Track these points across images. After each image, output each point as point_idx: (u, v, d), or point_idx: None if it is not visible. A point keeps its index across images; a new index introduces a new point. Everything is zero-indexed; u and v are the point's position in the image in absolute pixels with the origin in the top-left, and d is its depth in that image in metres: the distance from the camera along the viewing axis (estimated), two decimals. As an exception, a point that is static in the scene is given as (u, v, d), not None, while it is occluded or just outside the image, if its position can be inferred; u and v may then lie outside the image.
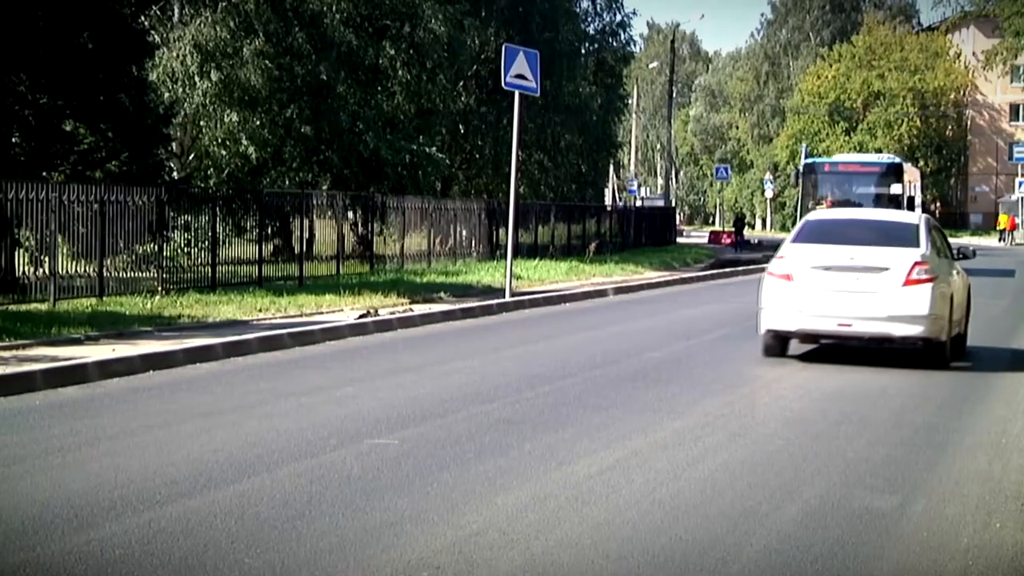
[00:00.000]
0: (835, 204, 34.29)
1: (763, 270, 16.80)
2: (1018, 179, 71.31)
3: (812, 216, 18.24)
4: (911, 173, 39.35)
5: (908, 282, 15.44)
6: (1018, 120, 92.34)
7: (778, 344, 16.33)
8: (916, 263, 15.49)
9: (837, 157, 53.84)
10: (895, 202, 34.94)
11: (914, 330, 15.40)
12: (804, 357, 16.71)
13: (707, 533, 7.50)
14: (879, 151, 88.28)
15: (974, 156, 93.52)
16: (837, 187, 36.47)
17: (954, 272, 16.92)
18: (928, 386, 14.14)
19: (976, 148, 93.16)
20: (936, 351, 15.65)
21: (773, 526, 7.72)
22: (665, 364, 15.71)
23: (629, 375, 14.49)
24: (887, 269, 15.50)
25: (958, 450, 10.40)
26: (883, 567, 7.03)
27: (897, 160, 37.74)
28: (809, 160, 40.11)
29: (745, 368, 15.43)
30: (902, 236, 16.24)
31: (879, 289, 15.44)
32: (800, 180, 37.74)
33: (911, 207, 34.07)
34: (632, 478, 9.03)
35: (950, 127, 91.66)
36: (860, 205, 34.03)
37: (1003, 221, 74.35)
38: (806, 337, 16.44)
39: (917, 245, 15.89)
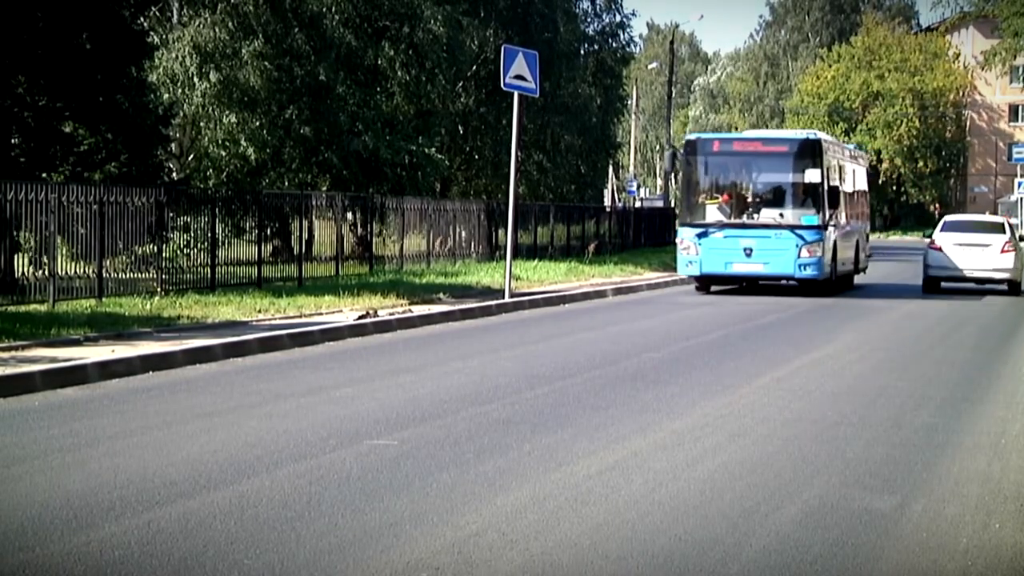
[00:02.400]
0: (733, 199, 28.53)
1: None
2: (1017, 179, 71.26)
3: (948, 217, 33.60)
4: (837, 152, 30.53)
5: (1002, 251, 30.06)
6: (1017, 120, 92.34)
7: (935, 283, 30.78)
8: (1006, 242, 30.24)
9: (732, 133, 45.86)
10: (812, 195, 27.77)
11: (1003, 275, 30.18)
12: (804, 358, 16.72)
13: (707, 534, 7.50)
14: (878, 152, 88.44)
15: (973, 156, 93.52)
16: (731, 173, 29.01)
17: (1022, 246, 31.08)
18: (928, 386, 14.14)
19: (975, 149, 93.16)
20: (1014, 287, 30.33)
21: (772, 527, 7.72)
22: (664, 365, 15.70)
23: (629, 375, 14.48)
24: (990, 245, 30.15)
25: (958, 450, 10.40)
26: (882, 567, 7.03)
27: (814, 136, 28.49)
28: (693, 136, 30.36)
29: (745, 369, 15.42)
30: (996, 228, 31.16)
31: (986, 254, 30.07)
32: (679, 164, 30.33)
33: (834, 202, 27.91)
34: (631, 479, 9.03)
35: (949, 128, 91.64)
36: (762, 200, 28.35)
37: None
38: (948, 279, 30.60)
39: (1004, 233, 30.63)
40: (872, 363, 16.28)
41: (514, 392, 12.95)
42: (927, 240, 32.19)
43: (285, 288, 25.03)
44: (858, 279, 32.79)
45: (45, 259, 20.25)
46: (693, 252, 28.20)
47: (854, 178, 32.91)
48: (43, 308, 19.28)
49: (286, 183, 34.92)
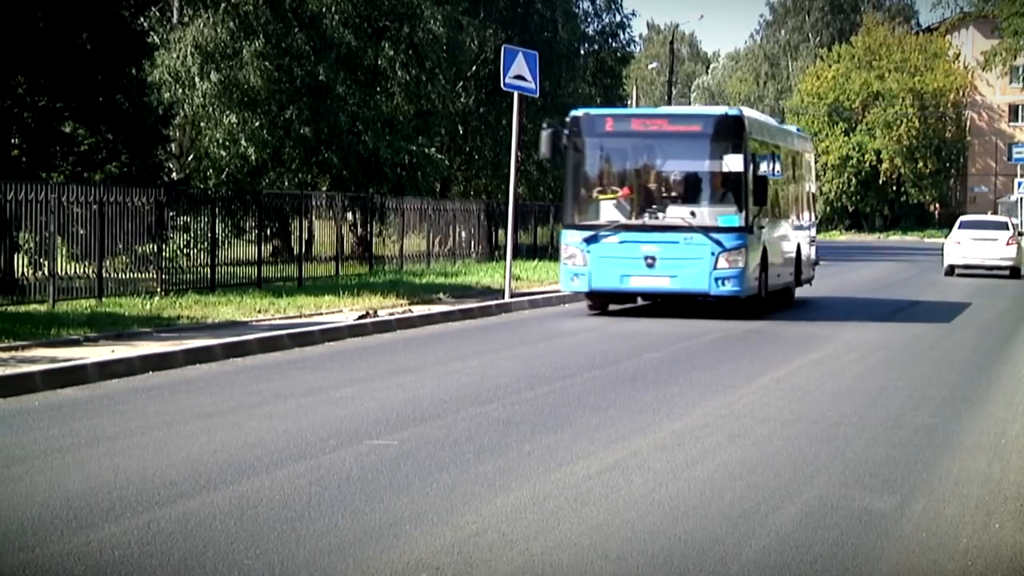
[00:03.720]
0: (634, 194, 22.18)
1: None
2: (1017, 179, 71.27)
3: (963, 217, 40.22)
4: (768, 134, 24.20)
5: (1007, 244, 36.70)
6: (1017, 121, 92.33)
7: (951, 270, 37.15)
8: (1009, 237, 36.78)
9: (630, 108, 38.23)
10: (733, 188, 21.59)
11: (1007, 263, 36.64)
12: (804, 359, 16.71)
13: (706, 534, 7.50)
14: (878, 152, 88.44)
15: (973, 157, 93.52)
16: (629, 160, 22.74)
17: (1019, 242, 37.16)
18: (927, 386, 14.14)
19: (975, 149, 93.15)
20: (1015, 272, 36.53)
21: (772, 527, 7.72)
22: (664, 365, 15.70)
23: (629, 376, 14.48)
24: (997, 239, 36.85)
25: (957, 451, 10.40)
26: (882, 568, 7.03)
27: (736, 112, 22.36)
28: (579, 112, 22.87)
29: (745, 369, 15.42)
30: (1002, 226, 38.06)
31: (994, 247, 36.72)
32: (562, 147, 22.53)
33: (762, 196, 21.92)
34: (631, 479, 9.03)
35: (949, 128, 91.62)
36: (669, 196, 22.04)
37: None
38: (963, 267, 37.03)
39: (1008, 230, 37.44)
40: (866, 359, 16.25)
41: (514, 392, 12.95)
42: (942, 240, 41.96)
43: (285, 288, 25.03)
44: (803, 292, 26.93)
45: (45, 259, 20.25)
46: (580, 262, 21.72)
47: (793, 167, 26.42)
48: (43, 308, 19.28)
49: (286, 183, 34.92)
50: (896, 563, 7.12)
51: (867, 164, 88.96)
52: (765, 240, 22.75)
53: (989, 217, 45.08)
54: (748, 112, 23.58)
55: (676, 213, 21.60)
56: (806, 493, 8.67)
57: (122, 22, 25.16)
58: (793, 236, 25.83)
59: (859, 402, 12.85)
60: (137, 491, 8.21)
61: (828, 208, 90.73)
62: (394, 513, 7.81)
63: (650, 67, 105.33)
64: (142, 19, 28.52)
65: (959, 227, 38.22)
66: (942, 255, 38.65)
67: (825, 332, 19.97)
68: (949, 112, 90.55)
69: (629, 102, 73.04)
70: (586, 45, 50.34)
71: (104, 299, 20.69)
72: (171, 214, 24.10)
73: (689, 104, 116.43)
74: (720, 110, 22.99)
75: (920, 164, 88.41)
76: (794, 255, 25.69)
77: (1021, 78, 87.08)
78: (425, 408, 11.80)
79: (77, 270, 21.16)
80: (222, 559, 6.74)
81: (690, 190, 22.07)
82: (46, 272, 20.09)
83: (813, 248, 28.29)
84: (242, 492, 8.27)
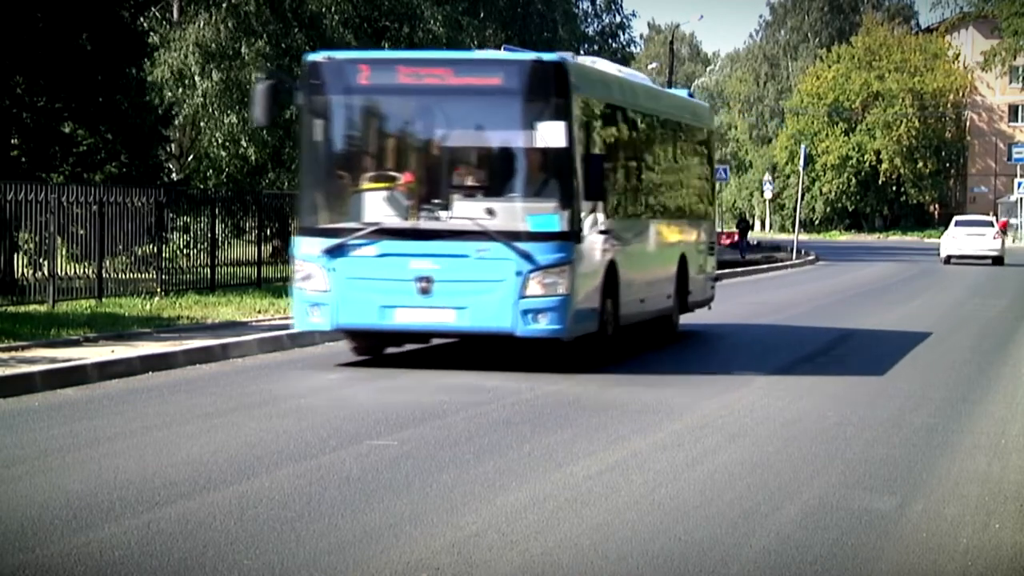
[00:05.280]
0: (382, 176, 14.83)
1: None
2: (1017, 180, 71.30)
3: (958, 217, 49.21)
4: (613, 91, 16.76)
5: (993, 238, 45.54)
6: (1017, 121, 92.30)
7: (948, 260, 44.82)
8: (995, 233, 46.16)
9: (396, 52, 27.77)
10: (553, 172, 14.49)
11: (993, 253, 44.86)
12: (803, 360, 16.71)
13: (706, 534, 7.50)
14: (878, 152, 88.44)
15: (973, 157, 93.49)
16: (394, 129, 15.58)
17: (1002, 237, 46.48)
18: (927, 387, 14.13)
19: (975, 149, 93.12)
20: (998, 260, 44.66)
21: (772, 527, 7.72)
22: (664, 365, 15.70)
23: (628, 376, 14.47)
24: (984, 235, 45.64)
25: (957, 451, 10.40)
26: (882, 568, 7.03)
27: (552, 58, 15.06)
28: (318, 56, 15.26)
29: (745, 369, 15.42)
30: (989, 224, 47.90)
31: (982, 240, 45.25)
32: (295, 108, 17.46)
33: (596, 187, 14.68)
34: (631, 479, 9.03)
35: (949, 128, 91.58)
36: (458, 187, 14.62)
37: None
38: (959, 258, 44.62)
39: (993, 227, 47.30)
40: (865, 362, 16.25)
41: (513, 392, 12.94)
42: (938, 239, 47.44)
43: (285, 288, 24.98)
44: (694, 320, 19.59)
45: (45, 260, 20.25)
46: (319, 285, 14.35)
47: (674, 145, 19.04)
48: (43, 309, 19.27)
49: (286, 183, 34.91)
50: (896, 563, 7.12)
51: (867, 164, 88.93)
52: (613, 251, 15.50)
53: (979, 217, 54.57)
54: (581, 60, 17.22)
55: (465, 211, 14.25)
56: (806, 493, 8.67)
57: (122, 22, 25.18)
58: (671, 244, 18.57)
59: (859, 402, 12.80)
60: (137, 491, 8.20)
61: (828, 208, 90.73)
62: (394, 513, 7.81)
63: (650, 67, 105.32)
64: (142, 19, 28.54)
65: (954, 225, 47.76)
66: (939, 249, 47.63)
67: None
68: (949, 112, 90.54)
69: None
70: (586, 45, 50.37)
71: (104, 299, 20.68)
72: (171, 215, 24.10)
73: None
74: (531, 55, 15.21)
75: (920, 164, 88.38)
76: (673, 271, 18.25)
77: (1021, 78, 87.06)
78: (426, 408, 11.78)
79: (77, 270, 21.15)
80: (222, 559, 6.74)
81: (486, 177, 14.80)
82: (46, 272, 20.08)
83: (711, 260, 20.62)
84: (242, 492, 8.27)
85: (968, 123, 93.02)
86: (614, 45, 51.47)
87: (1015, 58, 68.61)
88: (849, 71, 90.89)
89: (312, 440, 10.11)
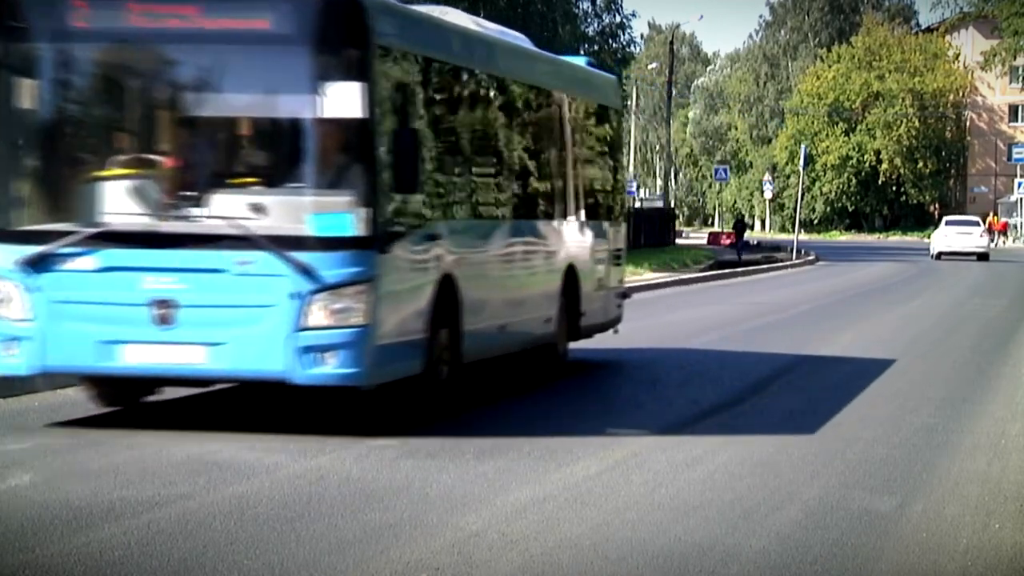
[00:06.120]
0: (107, 158, 10.89)
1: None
2: (1017, 180, 71.33)
3: (947, 217, 57.24)
4: (438, 41, 12.22)
5: (980, 236, 50.90)
6: (1017, 121, 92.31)
7: (938, 256, 50.50)
8: (981, 231, 52.08)
9: None
10: (341, 153, 10.48)
11: (979, 250, 49.66)
12: (804, 360, 16.70)
13: (706, 534, 7.50)
14: (878, 152, 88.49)
15: (973, 157, 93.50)
16: (119, 86, 11.32)
17: (988, 236, 53.07)
18: (927, 387, 14.14)
19: (975, 149, 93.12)
20: (983, 257, 49.11)
21: (772, 527, 7.72)
22: (664, 365, 15.69)
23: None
24: (971, 233, 51.04)
25: (957, 451, 10.40)
26: (882, 568, 7.04)
27: None
28: None
29: (744, 370, 15.42)
30: (975, 223, 53.62)
31: (969, 239, 50.45)
32: None
33: (408, 173, 10.48)
34: (631, 479, 9.04)
35: (949, 128, 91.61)
36: (211, 174, 10.70)
37: (995, 222, 75.05)
38: (949, 254, 49.42)
39: (980, 226, 53.30)
40: (859, 363, 16.25)
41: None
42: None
43: None
44: (600, 345, 16.01)
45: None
46: (17, 311, 10.47)
47: (539, 121, 14.37)
48: None
49: None
50: (896, 563, 7.12)
51: (867, 164, 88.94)
52: (450, 263, 11.63)
53: (967, 217, 59.97)
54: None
55: (222, 208, 10.40)
56: (806, 493, 8.67)
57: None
58: (551, 253, 14.42)
59: (859, 402, 12.78)
60: (137, 491, 8.21)
61: (828, 208, 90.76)
62: (394, 513, 7.81)
63: (650, 67, 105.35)
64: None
65: (944, 224, 53.68)
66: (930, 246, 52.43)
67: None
68: (949, 112, 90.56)
69: (629, 102, 73.17)
70: (586, 46, 50.35)
71: None
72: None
73: (690, 105, 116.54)
74: None
75: (920, 164, 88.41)
76: (556, 287, 14.29)
77: (1021, 78, 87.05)
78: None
79: None
80: (222, 559, 6.74)
81: (253, 160, 11.01)
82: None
83: (616, 271, 16.53)
84: (242, 492, 8.27)
85: (968, 123, 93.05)
86: (614, 45, 51.44)
87: (1015, 58, 68.58)
88: (849, 71, 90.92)
89: (312, 440, 10.03)
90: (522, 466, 9.35)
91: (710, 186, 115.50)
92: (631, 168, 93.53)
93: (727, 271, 38.96)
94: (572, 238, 14.93)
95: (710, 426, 11.46)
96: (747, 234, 55.42)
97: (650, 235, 55.18)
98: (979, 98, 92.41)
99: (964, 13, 73.28)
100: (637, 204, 76.75)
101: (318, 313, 10.07)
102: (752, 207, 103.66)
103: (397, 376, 10.75)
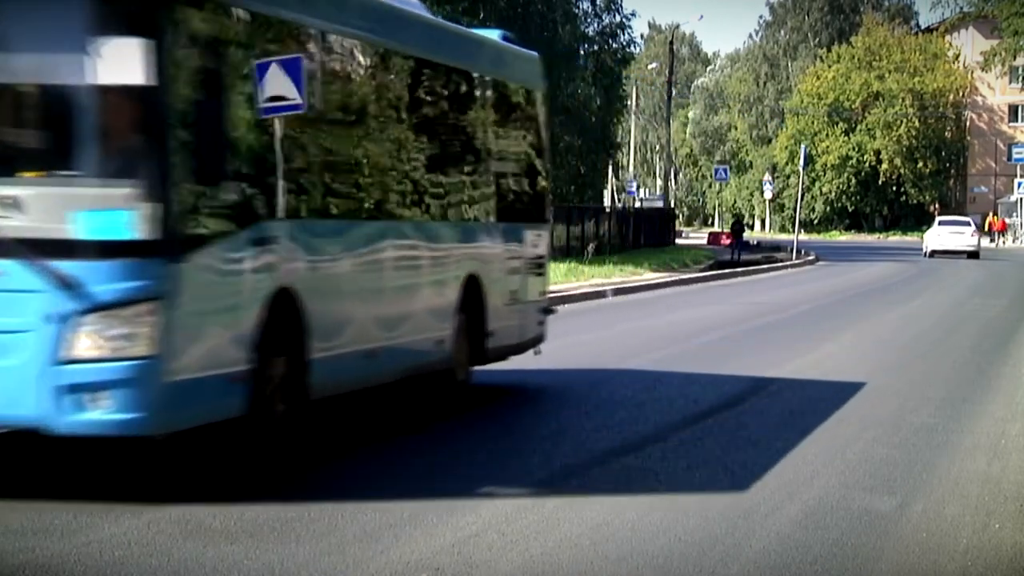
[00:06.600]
0: None
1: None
2: (1017, 180, 71.33)
3: (940, 217, 59.96)
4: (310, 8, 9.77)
5: (971, 235, 53.27)
6: (1017, 121, 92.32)
7: (932, 254, 52.09)
8: (972, 231, 54.11)
9: None
10: (135, 132, 7.82)
11: (970, 248, 52.12)
12: (802, 362, 16.71)
13: (706, 534, 7.50)
14: (878, 152, 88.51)
15: (973, 157, 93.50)
16: None
17: (979, 235, 55.95)
18: (927, 387, 14.14)
19: (975, 149, 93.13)
20: (974, 255, 51.72)
21: (772, 527, 7.72)
22: (663, 366, 15.70)
23: (627, 376, 14.48)
24: (963, 233, 53.42)
25: (957, 451, 10.40)
26: (882, 568, 7.04)
27: None
28: None
29: (743, 370, 15.42)
30: (967, 223, 55.73)
31: (961, 238, 53.02)
32: None
33: (217, 163, 8.13)
34: (631, 478, 9.03)
35: (949, 128, 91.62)
36: None
37: (995, 222, 75.16)
38: (941, 252, 51.86)
39: (971, 226, 55.17)
40: (853, 361, 16.26)
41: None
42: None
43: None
44: (520, 366, 13.70)
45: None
46: None
47: (430, 101, 11.87)
48: None
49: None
50: (896, 563, 7.12)
51: (867, 164, 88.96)
52: (288, 273, 9.21)
53: (959, 217, 62.10)
54: None
55: None
56: (806, 493, 8.67)
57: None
58: (445, 260, 11.99)
59: (858, 402, 12.77)
60: (138, 491, 8.20)
61: (828, 208, 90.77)
62: (394, 513, 7.80)
63: (650, 67, 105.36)
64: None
65: (938, 224, 56.19)
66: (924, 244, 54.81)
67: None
68: (949, 112, 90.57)
69: (629, 102, 73.17)
70: (586, 45, 50.36)
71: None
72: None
73: (690, 105, 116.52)
74: None
75: (920, 164, 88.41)
76: (451, 301, 11.92)
77: (1021, 78, 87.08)
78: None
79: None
80: (222, 559, 6.74)
81: (6, 139, 8.32)
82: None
83: (537, 282, 14.00)
84: (241, 492, 8.26)
85: (968, 123, 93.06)
86: (614, 45, 51.43)
87: (1015, 58, 68.59)
88: (849, 71, 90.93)
89: (312, 439, 10.03)
90: (521, 466, 9.31)
91: (710, 186, 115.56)
92: (631, 168, 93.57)
93: (727, 271, 38.98)
94: (475, 243, 12.47)
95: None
96: (747, 234, 55.44)
97: (650, 235, 55.25)
98: (979, 98, 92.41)
99: (964, 13, 73.30)
100: (637, 204, 76.83)
101: (86, 341, 7.67)
102: (752, 207, 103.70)
103: (205, 420, 8.37)
